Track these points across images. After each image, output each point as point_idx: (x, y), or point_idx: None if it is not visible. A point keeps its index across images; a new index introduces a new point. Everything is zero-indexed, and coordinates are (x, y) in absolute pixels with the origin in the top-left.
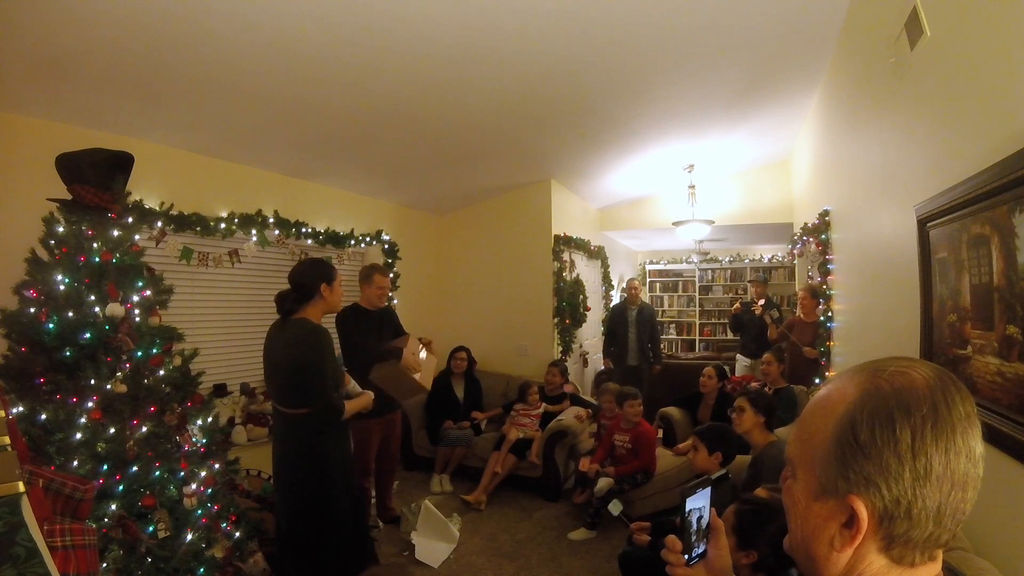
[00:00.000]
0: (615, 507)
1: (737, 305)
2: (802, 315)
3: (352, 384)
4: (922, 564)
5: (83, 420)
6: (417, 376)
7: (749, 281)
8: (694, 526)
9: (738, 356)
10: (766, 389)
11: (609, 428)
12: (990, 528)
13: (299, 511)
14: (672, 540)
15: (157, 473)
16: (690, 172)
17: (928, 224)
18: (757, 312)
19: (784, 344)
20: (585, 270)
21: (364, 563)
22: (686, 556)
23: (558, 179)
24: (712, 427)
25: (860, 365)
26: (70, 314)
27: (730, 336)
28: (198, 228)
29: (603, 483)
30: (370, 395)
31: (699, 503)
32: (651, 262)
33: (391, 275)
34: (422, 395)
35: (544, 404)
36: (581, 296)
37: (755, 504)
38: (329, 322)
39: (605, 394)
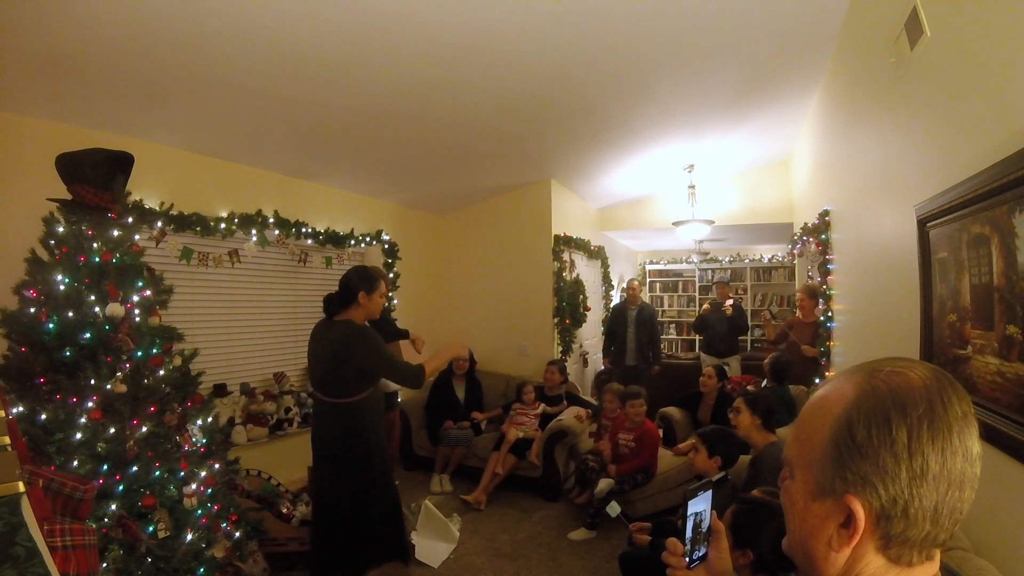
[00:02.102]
0: (612, 509)
1: (707, 305)
2: (801, 316)
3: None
4: (920, 564)
5: (83, 420)
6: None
7: (714, 283)
8: (695, 529)
9: (703, 356)
10: (764, 384)
11: (613, 427)
12: (990, 528)
13: (340, 486)
14: (673, 543)
15: (157, 473)
16: (690, 172)
17: (928, 224)
18: (728, 313)
19: (782, 345)
20: (585, 270)
21: (392, 553)
22: (687, 559)
23: (558, 179)
24: (715, 430)
25: (857, 365)
26: (70, 314)
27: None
28: (198, 228)
29: (603, 484)
30: (447, 350)
31: (700, 506)
32: (651, 262)
33: (391, 276)
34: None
35: (543, 404)
36: (581, 296)
37: (752, 504)
38: None
39: (607, 393)
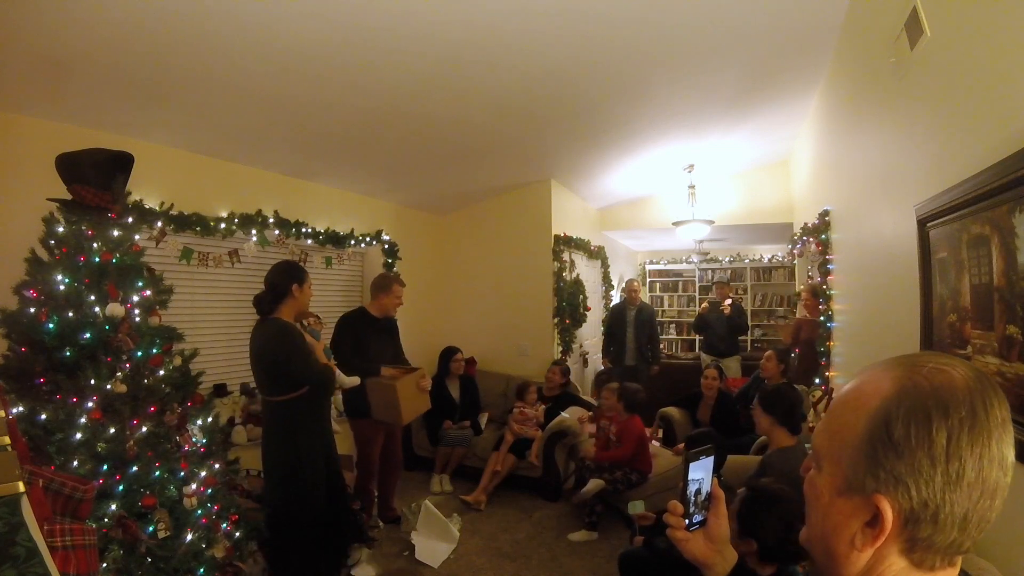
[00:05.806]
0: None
1: (705, 304)
2: (808, 314)
3: (338, 375)
4: (942, 569)
5: (83, 420)
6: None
7: (714, 283)
8: (695, 494)
9: (703, 356)
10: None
11: (601, 413)
12: (991, 528)
13: (276, 491)
14: (674, 504)
15: (157, 473)
16: (690, 172)
17: (928, 224)
18: (726, 312)
19: (794, 345)
20: (585, 270)
21: (332, 559)
22: (686, 521)
23: (558, 179)
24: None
25: (895, 358)
26: (70, 314)
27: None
28: (198, 228)
29: (592, 484)
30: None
31: (700, 472)
32: (651, 262)
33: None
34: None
35: (540, 405)
36: (581, 296)
37: (759, 492)
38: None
39: (604, 391)
